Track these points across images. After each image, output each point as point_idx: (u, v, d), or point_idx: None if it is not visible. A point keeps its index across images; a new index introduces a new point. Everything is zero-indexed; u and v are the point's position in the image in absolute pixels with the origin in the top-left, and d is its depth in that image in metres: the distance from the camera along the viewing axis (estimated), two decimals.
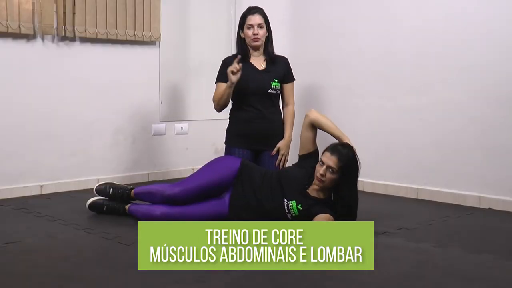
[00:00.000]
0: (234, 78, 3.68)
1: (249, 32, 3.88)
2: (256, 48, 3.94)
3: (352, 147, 3.33)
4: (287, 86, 4.00)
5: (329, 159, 3.25)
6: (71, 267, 2.70)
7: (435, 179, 4.31)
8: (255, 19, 3.88)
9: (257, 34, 3.88)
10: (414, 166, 4.43)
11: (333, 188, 3.35)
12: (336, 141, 3.43)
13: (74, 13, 4.31)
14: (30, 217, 3.62)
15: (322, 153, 3.33)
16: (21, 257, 2.84)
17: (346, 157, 3.26)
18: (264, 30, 3.91)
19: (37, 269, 2.67)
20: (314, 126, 3.49)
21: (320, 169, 3.28)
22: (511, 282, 2.62)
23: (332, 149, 3.30)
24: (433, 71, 4.31)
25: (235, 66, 3.66)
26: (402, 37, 4.46)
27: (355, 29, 4.73)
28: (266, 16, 3.94)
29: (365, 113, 4.66)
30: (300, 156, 3.56)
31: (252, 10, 3.92)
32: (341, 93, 4.81)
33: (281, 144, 3.94)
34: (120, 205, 3.61)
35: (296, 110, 4.08)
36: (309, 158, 3.50)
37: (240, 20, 3.96)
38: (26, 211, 3.75)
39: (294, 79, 4.04)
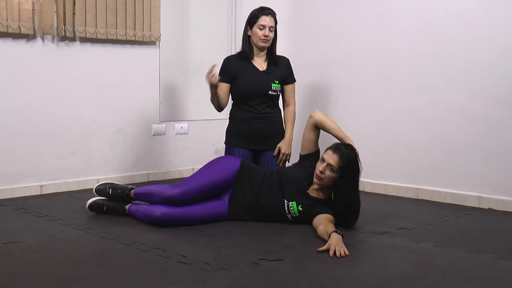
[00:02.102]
0: (212, 81, 3.68)
1: (260, 33, 3.87)
2: (262, 49, 3.93)
3: (354, 149, 3.34)
4: (288, 87, 4.00)
5: (330, 157, 3.27)
6: (71, 267, 2.69)
7: (435, 179, 4.31)
8: (269, 21, 3.87)
9: (268, 36, 3.87)
10: (414, 166, 4.43)
11: (333, 188, 3.36)
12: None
13: (74, 13, 4.31)
14: (30, 217, 3.62)
15: (324, 151, 3.34)
16: (21, 257, 2.84)
17: (348, 157, 3.28)
18: (273, 33, 3.91)
19: (37, 269, 2.67)
20: (317, 127, 3.49)
21: (320, 166, 3.29)
22: (511, 282, 2.62)
23: (334, 148, 3.32)
24: (433, 71, 4.31)
25: (210, 71, 3.64)
26: (402, 37, 4.46)
27: (355, 29, 4.73)
28: (277, 20, 3.93)
29: (365, 113, 4.66)
30: (301, 156, 3.56)
31: (266, 11, 3.89)
32: (341, 93, 4.80)
33: (281, 144, 3.95)
34: (120, 205, 3.60)
35: (297, 110, 4.09)
36: (310, 158, 3.50)
37: (250, 18, 3.92)
38: (26, 211, 3.75)
39: (295, 80, 4.05)
